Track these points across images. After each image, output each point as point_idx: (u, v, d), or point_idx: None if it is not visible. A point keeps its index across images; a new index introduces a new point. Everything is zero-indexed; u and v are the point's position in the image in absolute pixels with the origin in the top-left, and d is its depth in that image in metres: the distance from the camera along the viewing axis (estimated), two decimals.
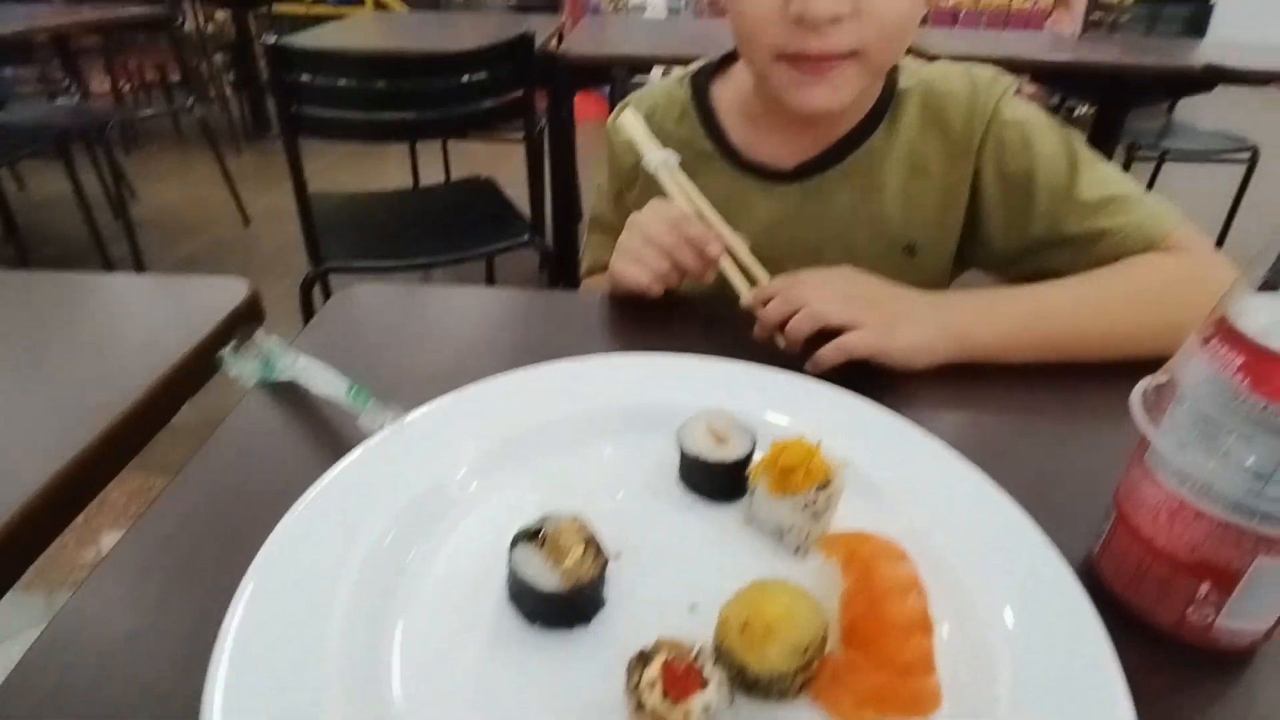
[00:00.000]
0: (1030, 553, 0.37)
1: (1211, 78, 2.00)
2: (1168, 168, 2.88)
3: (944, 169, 0.68)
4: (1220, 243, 2.67)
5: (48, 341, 0.57)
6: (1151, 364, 0.37)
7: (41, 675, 0.32)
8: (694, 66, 0.75)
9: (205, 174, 3.31)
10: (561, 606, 0.34)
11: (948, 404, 0.52)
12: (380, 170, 3.38)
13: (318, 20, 4.55)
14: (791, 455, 0.38)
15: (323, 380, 0.48)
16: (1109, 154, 2.29)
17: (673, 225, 0.59)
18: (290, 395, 0.50)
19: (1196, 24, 2.93)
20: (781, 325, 0.55)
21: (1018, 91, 0.68)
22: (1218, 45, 2.45)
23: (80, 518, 0.46)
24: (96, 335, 0.59)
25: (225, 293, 0.63)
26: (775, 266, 0.71)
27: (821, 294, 0.54)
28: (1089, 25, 2.90)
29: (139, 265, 2.50)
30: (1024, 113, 0.66)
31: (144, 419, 0.51)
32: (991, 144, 0.66)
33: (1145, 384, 0.36)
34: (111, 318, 0.63)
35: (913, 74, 0.69)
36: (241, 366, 0.52)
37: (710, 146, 0.71)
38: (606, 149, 0.79)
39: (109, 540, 1.53)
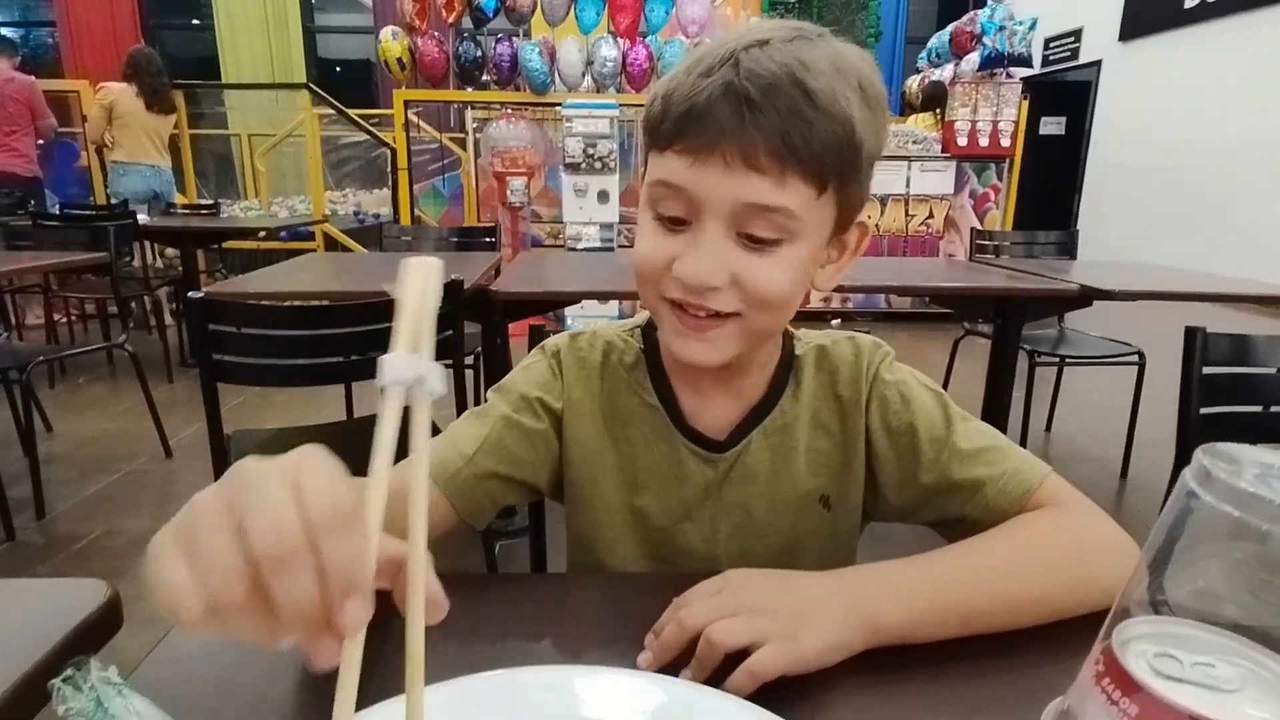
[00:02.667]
0: None
1: (1088, 297, 2.23)
2: (1068, 371, 3.11)
3: (840, 427, 0.72)
4: (1130, 436, 2.82)
5: None
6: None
7: None
8: (642, 319, 0.75)
9: (132, 404, 3.24)
10: None
11: (862, 708, 0.48)
12: (317, 397, 3.37)
13: (268, 256, 4.79)
14: None
15: None
16: (1012, 363, 2.46)
17: (327, 516, 0.28)
18: None
19: (1067, 247, 3.31)
20: (680, 653, 0.50)
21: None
22: (1088, 266, 2.76)
23: None
24: None
25: (79, 597, 0.57)
26: (711, 526, 0.72)
27: (715, 614, 0.50)
28: (976, 249, 3.24)
29: (40, 507, 2.35)
30: (901, 374, 0.72)
31: None
32: (876, 403, 0.71)
33: (1052, 711, 0.34)
34: None
35: (806, 342, 0.74)
36: (72, 703, 0.45)
37: (656, 401, 0.72)
38: (544, 365, 0.73)
39: None
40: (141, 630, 0.52)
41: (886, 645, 0.52)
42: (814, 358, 0.72)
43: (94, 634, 0.56)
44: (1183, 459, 1.27)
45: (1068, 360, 2.90)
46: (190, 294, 1.35)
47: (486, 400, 0.72)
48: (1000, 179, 5.20)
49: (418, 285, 0.32)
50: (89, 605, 0.56)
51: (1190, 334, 1.19)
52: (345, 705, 0.29)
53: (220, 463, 1.46)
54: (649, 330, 0.74)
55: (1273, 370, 1.24)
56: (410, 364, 0.31)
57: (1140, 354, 2.79)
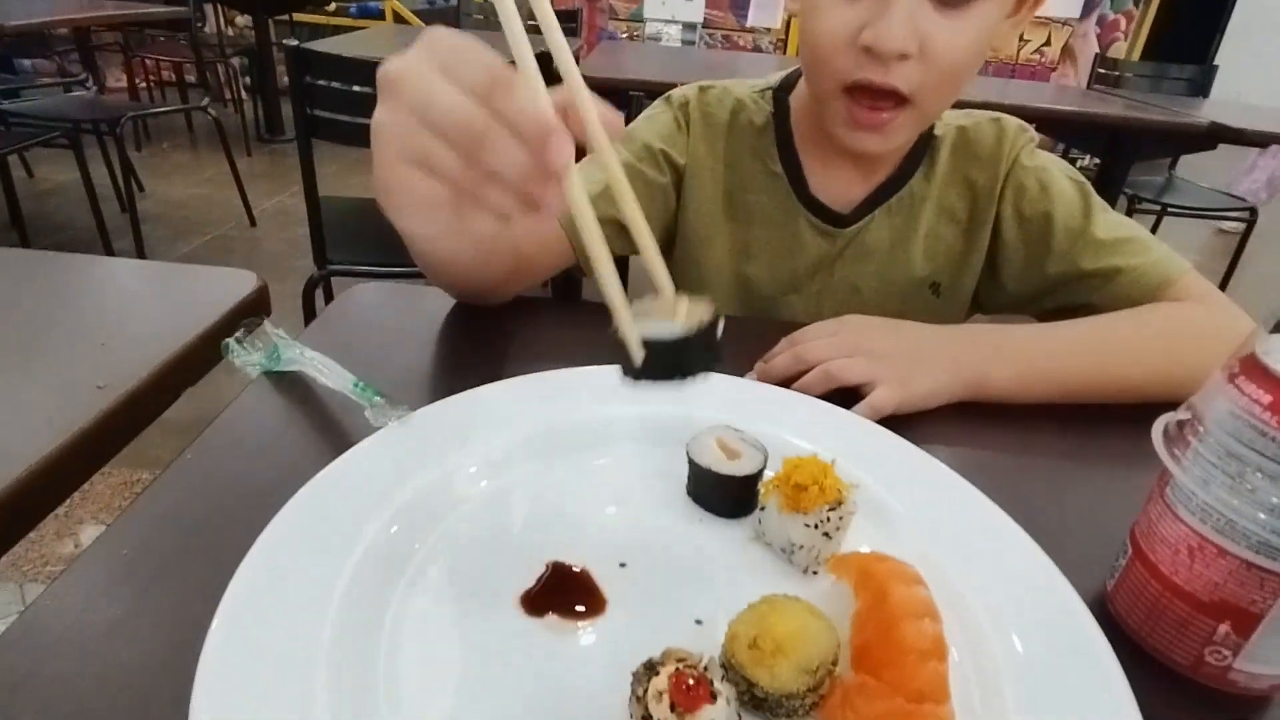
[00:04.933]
0: (1043, 584, 0.36)
1: (1215, 136, 2.03)
2: (1167, 222, 2.92)
3: (969, 214, 0.70)
4: None
5: (50, 322, 0.56)
6: (1165, 408, 0.37)
7: (15, 662, 0.30)
8: (775, 79, 0.72)
9: (214, 173, 3.33)
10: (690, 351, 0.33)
11: (959, 438, 0.52)
12: None
13: (337, 30, 4.63)
14: (805, 473, 0.37)
15: (328, 373, 0.47)
16: (1111, 205, 2.32)
17: (489, 84, 0.29)
18: (294, 388, 0.49)
19: (1201, 85, 2.98)
20: (785, 381, 0.53)
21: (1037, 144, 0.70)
22: (1222, 105, 2.49)
23: (61, 508, 0.45)
24: (100, 318, 0.59)
25: (234, 284, 0.62)
26: (817, 301, 0.73)
27: (833, 352, 0.52)
28: (1096, 78, 2.94)
29: (142, 258, 2.50)
30: (1042, 160, 0.69)
31: (142, 405, 0.50)
32: (1011, 189, 0.68)
33: (1167, 419, 0.36)
34: (116, 302, 0.62)
35: (947, 122, 0.70)
36: (245, 356, 0.52)
37: (780, 170, 0.70)
38: (670, 116, 0.71)
39: (88, 533, 1.50)
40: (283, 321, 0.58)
41: (987, 400, 0.54)
42: (953, 139, 0.69)
43: (248, 315, 0.62)
44: None
45: (1170, 209, 2.71)
46: (285, 42, 1.34)
47: None
48: (1136, 5, 4.60)
49: None
50: (243, 290, 0.62)
51: None
52: (591, 233, 0.31)
53: (315, 220, 1.51)
54: (781, 93, 0.71)
55: None
56: None
57: (1253, 210, 2.60)
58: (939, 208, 0.70)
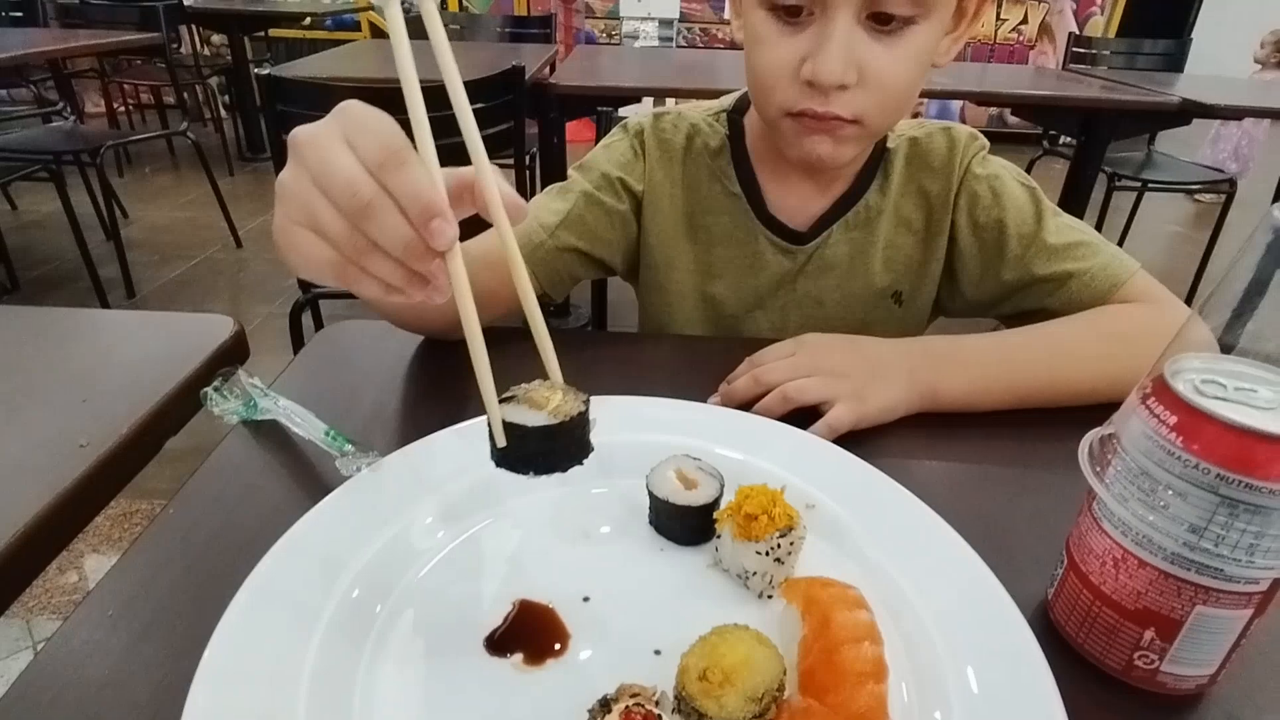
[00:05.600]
0: (984, 600, 0.38)
1: (1187, 112, 2.05)
2: (1148, 198, 2.94)
3: (925, 223, 0.72)
4: (1199, 274, 2.72)
5: (34, 376, 0.58)
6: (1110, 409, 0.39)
7: None
8: (729, 101, 0.74)
9: (198, 195, 3.33)
10: (556, 442, 0.34)
11: (916, 450, 0.54)
12: None
13: (314, 45, 4.62)
14: (754, 502, 0.39)
15: (301, 422, 0.49)
16: (1090, 184, 2.34)
17: (382, 157, 0.30)
18: (272, 435, 0.51)
19: (1175, 59, 2.99)
20: (746, 403, 0.54)
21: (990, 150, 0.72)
22: (1194, 80, 2.51)
23: None
24: (79, 371, 0.60)
25: (210, 329, 0.64)
26: (781, 316, 0.75)
27: (790, 373, 0.54)
28: (1072, 58, 2.95)
29: (129, 287, 2.51)
30: (994, 168, 0.70)
31: (129, 455, 0.52)
32: (965, 198, 0.70)
33: (1092, 436, 0.38)
34: (94, 354, 0.64)
35: (899, 134, 0.72)
36: (224, 405, 0.53)
37: (739, 190, 0.72)
38: (626, 144, 0.73)
39: (91, 564, 1.52)
40: (262, 364, 0.60)
41: (942, 412, 0.56)
42: (905, 151, 0.71)
43: (226, 361, 0.63)
44: None
45: (1150, 185, 2.73)
46: (257, 71, 1.35)
47: (569, 177, 0.73)
48: None
49: None
50: (220, 336, 0.64)
51: None
52: (469, 319, 0.32)
53: None
54: (735, 115, 0.73)
55: None
56: None
57: (1231, 181, 2.62)
58: (896, 218, 0.72)
